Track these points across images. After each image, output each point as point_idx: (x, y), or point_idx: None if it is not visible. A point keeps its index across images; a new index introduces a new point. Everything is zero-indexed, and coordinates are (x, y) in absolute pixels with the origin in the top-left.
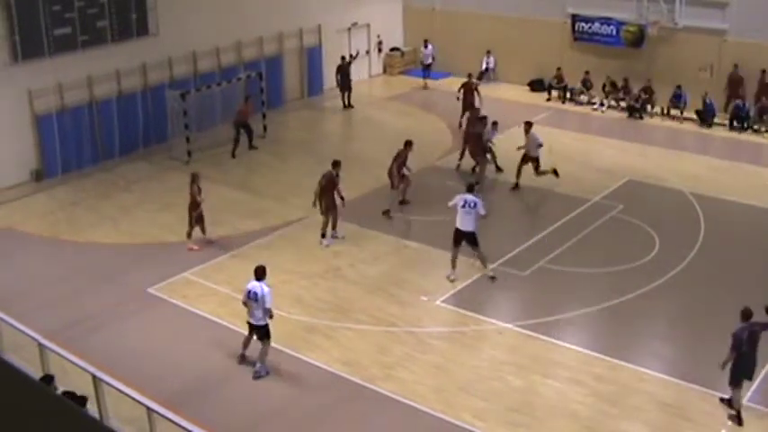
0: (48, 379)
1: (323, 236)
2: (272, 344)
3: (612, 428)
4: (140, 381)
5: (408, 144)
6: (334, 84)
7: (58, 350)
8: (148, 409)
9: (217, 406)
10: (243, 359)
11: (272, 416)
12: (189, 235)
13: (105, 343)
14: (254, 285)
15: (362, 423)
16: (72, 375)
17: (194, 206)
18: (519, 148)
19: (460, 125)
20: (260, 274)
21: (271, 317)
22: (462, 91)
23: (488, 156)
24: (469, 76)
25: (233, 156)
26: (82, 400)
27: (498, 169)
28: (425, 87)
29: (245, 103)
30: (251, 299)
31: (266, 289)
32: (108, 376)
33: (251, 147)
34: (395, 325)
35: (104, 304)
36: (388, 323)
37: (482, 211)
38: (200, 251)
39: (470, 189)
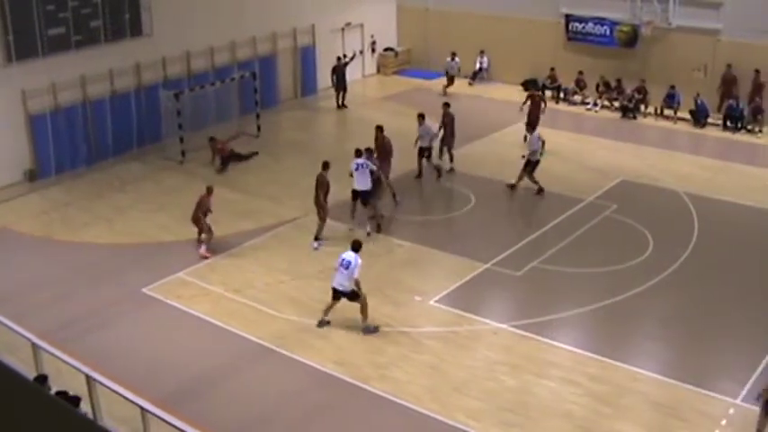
0: (41, 379)
1: (316, 238)
2: (267, 344)
3: (606, 428)
4: (134, 381)
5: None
6: (329, 84)
7: (51, 350)
8: (142, 409)
9: (211, 406)
10: (322, 323)
11: (266, 416)
12: (208, 240)
13: (99, 343)
14: (348, 254)
15: (356, 423)
16: (66, 375)
17: (205, 215)
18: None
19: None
20: (356, 245)
21: (358, 287)
22: (529, 104)
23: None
24: (540, 88)
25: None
26: (75, 401)
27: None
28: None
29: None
30: (342, 266)
31: (359, 261)
32: (102, 376)
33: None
34: (389, 325)
35: (99, 305)
36: (382, 323)
37: (373, 168)
38: (211, 258)
39: (358, 154)
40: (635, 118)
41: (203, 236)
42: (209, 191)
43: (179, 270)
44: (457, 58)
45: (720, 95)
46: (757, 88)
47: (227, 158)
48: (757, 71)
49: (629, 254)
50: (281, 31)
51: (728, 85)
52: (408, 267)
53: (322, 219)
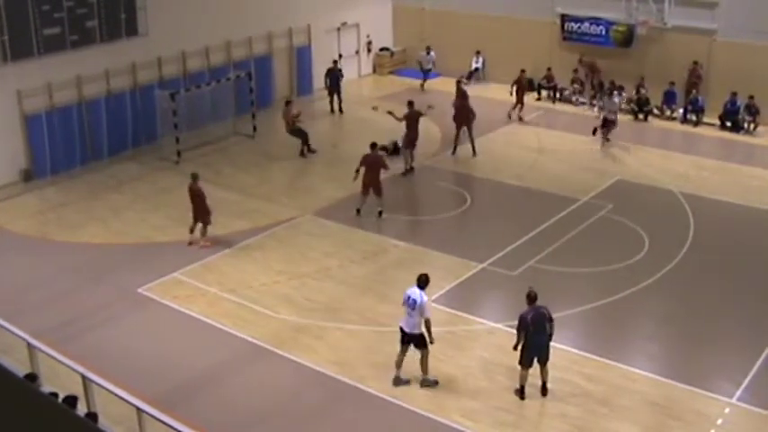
0: (31, 378)
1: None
2: (262, 344)
3: (602, 428)
4: (130, 381)
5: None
6: (324, 85)
7: (47, 350)
8: (138, 409)
9: (206, 406)
10: (398, 381)
11: (261, 416)
12: (203, 233)
13: (95, 343)
14: (413, 291)
15: (352, 423)
16: (62, 376)
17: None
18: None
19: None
20: (422, 281)
21: (428, 328)
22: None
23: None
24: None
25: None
26: (72, 401)
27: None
28: (422, 89)
29: (287, 106)
30: (408, 305)
31: (425, 298)
32: (97, 376)
33: (309, 150)
34: (384, 325)
35: (94, 305)
36: (378, 323)
37: None
38: (211, 247)
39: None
40: (646, 119)
41: (198, 226)
42: (195, 178)
43: (175, 270)
44: (432, 53)
45: (686, 90)
46: (694, 80)
47: (293, 129)
48: (695, 62)
49: (624, 254)
50: (277, 30)
51: (693, 80)
52: (404, 267)
53: (379, 194)
